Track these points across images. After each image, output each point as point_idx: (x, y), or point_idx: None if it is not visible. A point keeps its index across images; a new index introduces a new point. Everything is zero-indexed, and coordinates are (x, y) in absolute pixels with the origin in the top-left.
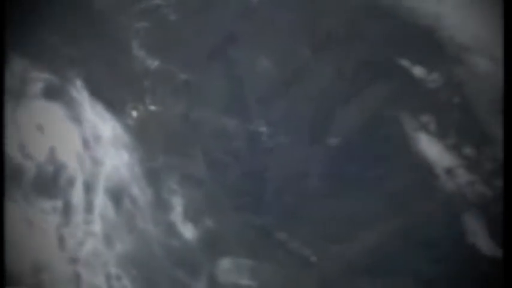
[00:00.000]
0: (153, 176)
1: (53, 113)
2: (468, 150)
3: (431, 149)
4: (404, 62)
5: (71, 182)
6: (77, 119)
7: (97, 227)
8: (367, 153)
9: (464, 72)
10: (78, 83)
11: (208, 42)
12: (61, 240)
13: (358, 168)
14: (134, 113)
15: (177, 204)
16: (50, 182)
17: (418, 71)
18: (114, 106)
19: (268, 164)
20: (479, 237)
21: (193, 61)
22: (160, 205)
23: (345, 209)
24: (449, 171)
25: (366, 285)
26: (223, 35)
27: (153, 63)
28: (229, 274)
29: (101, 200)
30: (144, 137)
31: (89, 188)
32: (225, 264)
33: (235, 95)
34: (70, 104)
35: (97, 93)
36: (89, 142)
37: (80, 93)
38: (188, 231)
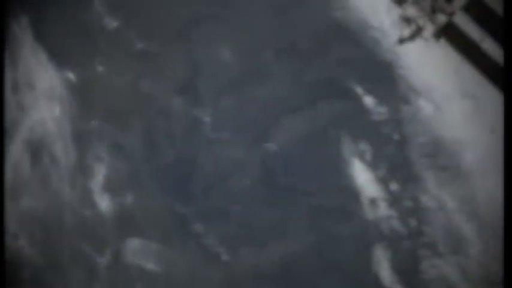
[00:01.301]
0: (81, 138)
1: None
2: (394, 186)
3: (362, 176)
4: (358, 89)
5: None
6: (13, 59)
7: (5, 176)
8: (301, 166)
9: (409, 112)
10: (24, 20)
11: (174, 19)
12: None
13: (290, 178)
14: None
15: (100, 173)
16: None
17: (368, 100)
18: (58, 56)
19: (205, 155)
20: (383, 268)
21: (154, 33)
22: (82, 170)
23: (267, 215)
24: (372, 202)
25: None
26: (192, 15)
27: (112, 24)
28: (136, 255)
29: (17, 150)
30: (83, 97)
31: (6, 134)
32: (134, 244)
33: (189, 79)
34: (9, 42)
35: (43, 38)
36: (19, 86)
37: (24, 32)
38: (104, 203)
